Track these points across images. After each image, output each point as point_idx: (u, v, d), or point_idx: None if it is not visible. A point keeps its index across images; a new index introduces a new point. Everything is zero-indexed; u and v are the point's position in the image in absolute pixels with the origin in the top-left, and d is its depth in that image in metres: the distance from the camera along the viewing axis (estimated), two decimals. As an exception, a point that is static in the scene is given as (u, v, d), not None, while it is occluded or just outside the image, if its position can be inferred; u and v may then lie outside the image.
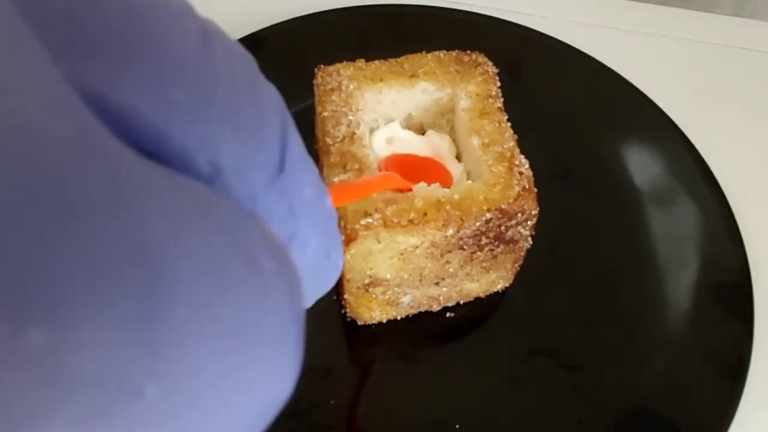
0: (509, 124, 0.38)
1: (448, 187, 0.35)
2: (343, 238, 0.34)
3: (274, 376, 0.13)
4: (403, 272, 0.37)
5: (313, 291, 0.18)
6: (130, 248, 0.10)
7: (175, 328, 0.11)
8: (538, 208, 0.35)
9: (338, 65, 0.40)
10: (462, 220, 0.34)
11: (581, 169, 0.48)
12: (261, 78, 0.15)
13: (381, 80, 0.39)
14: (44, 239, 0.09)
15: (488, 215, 0.34)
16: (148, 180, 0.11)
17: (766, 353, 0.41)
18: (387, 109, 0.40)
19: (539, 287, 0.43)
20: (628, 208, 0.46)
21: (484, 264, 0.38)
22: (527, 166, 0.36)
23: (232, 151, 0.13)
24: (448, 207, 0.34)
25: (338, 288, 0.41)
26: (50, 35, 0.11)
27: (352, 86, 0.39)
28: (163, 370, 0.11)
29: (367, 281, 0.37)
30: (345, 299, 0.39)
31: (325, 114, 0.38)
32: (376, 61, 0.40)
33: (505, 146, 0.36)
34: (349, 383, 0.39)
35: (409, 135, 0.39)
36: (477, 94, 0.39)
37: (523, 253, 0.40)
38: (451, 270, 0.38)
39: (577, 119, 0.50)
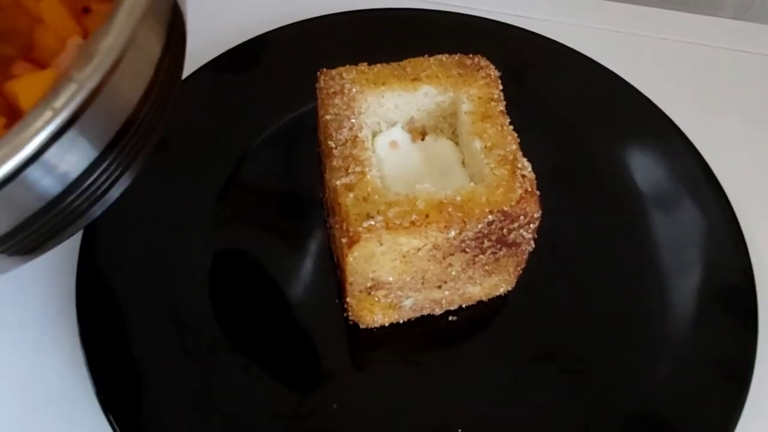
0: (512, 127, 0.38)
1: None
2: (345, 240, 0.34)
3: None
4: (406, 275, 0.37)
5: None
6: None
7: None
8: (540, 211, 0.35)
9: (341, 69, 0.40)
10: (464, 222, 0.34)
11: (584, 173, 0.48)
12: None
13: (383, 84, 0.39)
14: None
15: (490, 217, 0.34)
16: None
17: (770, 357, 0.40)
18: (389, 113, 0.40)
19: (542, 291, 0.43)
20: (631, 211, 0.46)
21: (487, 267, 0.38)
22: (530, 168, 0.36)
23: None
24: (450, 209, 0.34)
25: (341, 291, 0.41)
26: None
27: (354, 89, 0.39)
28: None
29: (369, 284, 0.37)
30: (347, 302, 0.39)
31: (328, 117, 0.38)
32: (379, 65, 0.40)
33: (507, 149, 0.36)
34: (351, 387, 0.39)
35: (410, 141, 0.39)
36: (479, 98, 0.39)
37: (525, 257, 0.39)
38: (453, 273, 0.38)
39: (579, 122, 0.50)
